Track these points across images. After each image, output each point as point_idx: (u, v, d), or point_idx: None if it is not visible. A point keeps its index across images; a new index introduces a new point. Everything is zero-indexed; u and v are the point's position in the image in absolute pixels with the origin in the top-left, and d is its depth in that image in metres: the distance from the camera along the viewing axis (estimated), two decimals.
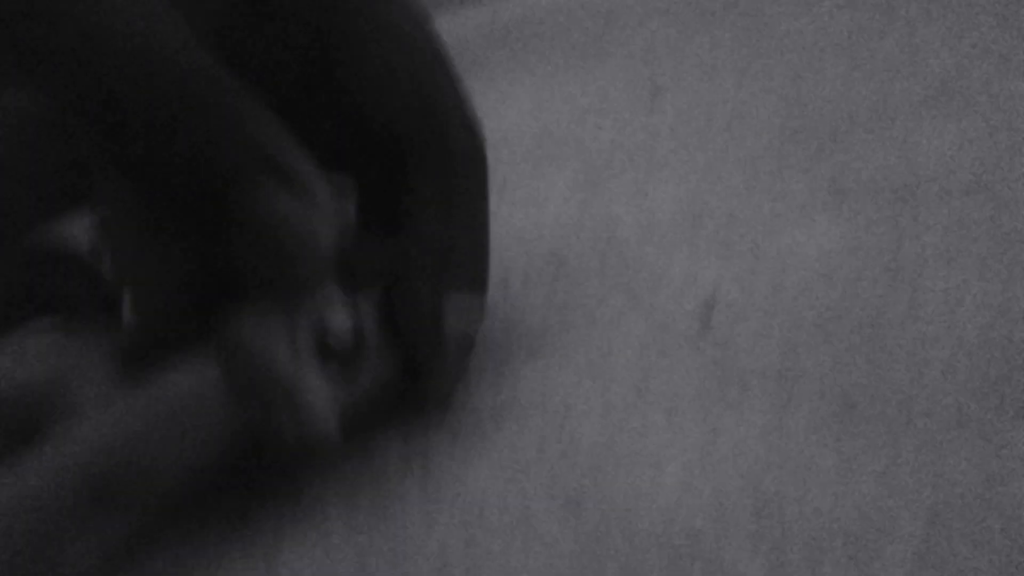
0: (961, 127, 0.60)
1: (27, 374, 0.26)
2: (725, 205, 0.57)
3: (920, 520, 0.28)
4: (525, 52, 1.17)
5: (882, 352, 0.37)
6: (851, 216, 0.52)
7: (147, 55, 0.25)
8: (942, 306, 0.40)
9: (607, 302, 0.47)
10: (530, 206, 0.65)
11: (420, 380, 0.34)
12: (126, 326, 0.31)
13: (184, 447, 0.27)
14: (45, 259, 0.32)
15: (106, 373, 0.27)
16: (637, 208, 0.61)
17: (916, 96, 0.67)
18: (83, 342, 0.29)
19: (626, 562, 0.28)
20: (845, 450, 0.32)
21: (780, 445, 0.32)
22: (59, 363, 0.26)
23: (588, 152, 0.74)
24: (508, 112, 0.91)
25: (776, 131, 0.68)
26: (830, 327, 0.40)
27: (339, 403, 0.31)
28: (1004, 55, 0.72)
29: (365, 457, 0.36)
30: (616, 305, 0.47)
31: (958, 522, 0.28)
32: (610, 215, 0.60)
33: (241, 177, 0.27)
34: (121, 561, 0.31)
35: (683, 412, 0.35)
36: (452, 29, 1.36)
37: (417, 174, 0.38)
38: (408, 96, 0.36)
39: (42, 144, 0.31)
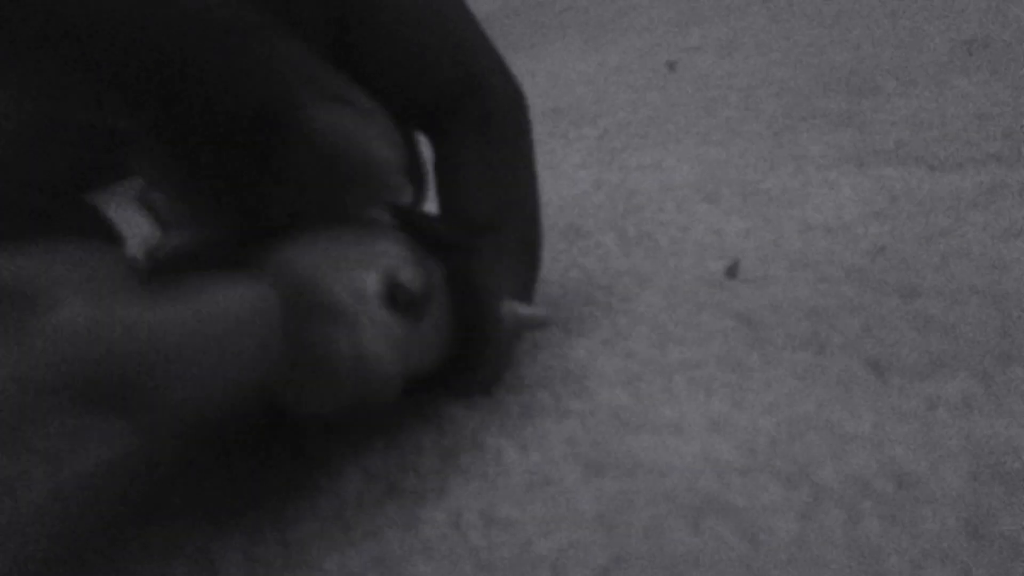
0: (990, 90, 0.58)
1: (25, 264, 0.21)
2: (745, 174, 0.56)
3: (960, 482, 0.26)
4: (542, 27, 1.15)
5: (913, 316, 0.36)
6: (876, 182, 0.50)
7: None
8: (975, 270, 0.39)
9: (626, 272, 0.46)
10: (546, 179, 0.64)
11: (469, 367, 0.32)
12: (158, 247, 0.28)
13: (219, 364, 0.22)
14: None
15: (140, 280, 0.23)
16: (655, 179, 0.59)
17: (941, 60, 0.65)
18: (115, 254, 0.25)
19: (651, 524, 0.26)
20: (878, 413, 0.30)
21: (809, 409, 0.31)
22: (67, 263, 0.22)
23: (604, 125, 0.73)
24: (524, 87, 0.89)
25: (797, 100, 0.66)
26: (858, 292, 0.39)
27: (406, 355, 0.27)
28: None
29: (377, 424, 0.35)
30: (636, 274, 0.46)
31: (999, 484, 0.26)
32: (627, 187, 0.59)
33: (293, 100, 0.24)
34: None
35: (707, 378, 0.34)
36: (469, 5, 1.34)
37: (455, 135, 0.35)
38: (436, 46, 0.33)
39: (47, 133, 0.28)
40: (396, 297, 0.27)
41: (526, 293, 0.36)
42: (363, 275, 0.26)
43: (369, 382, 0.26)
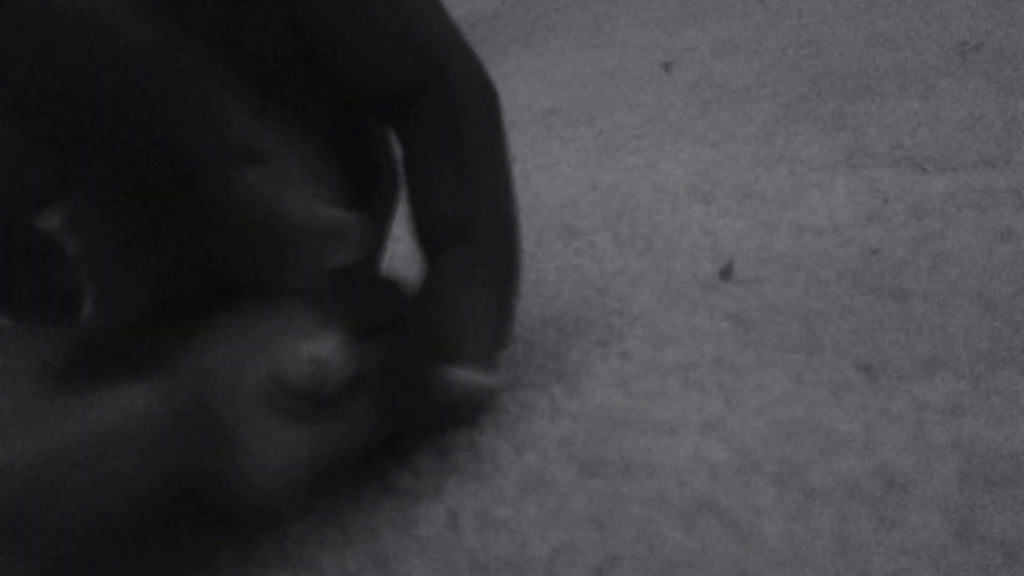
0: (982, 92, 0.59)
1: None
2: (739, 175, 0.56)
3: (948, 484, 0.27)
4: (538, 27, 1.15)
5: (904, 318, 0.36)
6: (869, 184, 0.50)
7: (85, 34, 0.21)
8: (966, 273, 0.39)
9: (620, 273, 0.46)
10: (542, 179, 0.64)
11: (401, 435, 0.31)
12: (85, 321, 0.28)
13: (110, 483, 0.22)
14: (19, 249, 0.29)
15: (38, 379, 0.24)
16: (650, 180, 0.60)
17: (935, 62, 0.66)
18: (27, 339, 0.25)
19: (644, 524, 0.27)
20: (869, 415, 0.31)
21: (801, 411, 0.32)
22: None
23: (600, 126, 0.73)
24: (519, 87, 0.90)
25: (791, 102, 0.67)
26: (850, 293, 0.39)
27: (306, 460, 0.26)
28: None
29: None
30: (630, 275, 0.46)
31: (988, 486, 0.27)
32: (623, 187, 0.59)
33: (209, 158, 0.23)
34: None
35: (701, 379, 0.34)
36: (463, 3, 1.34)
37: (420, 133, 0.31)
38: (395, 35, 0.31)
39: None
40: (287, 403, 0.26)
41: (504, 304, 0.34)
42: (254, 384, 0.25)
43: (260, 501, 0.26)
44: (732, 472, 0.30)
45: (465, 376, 0.31)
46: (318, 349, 0.26)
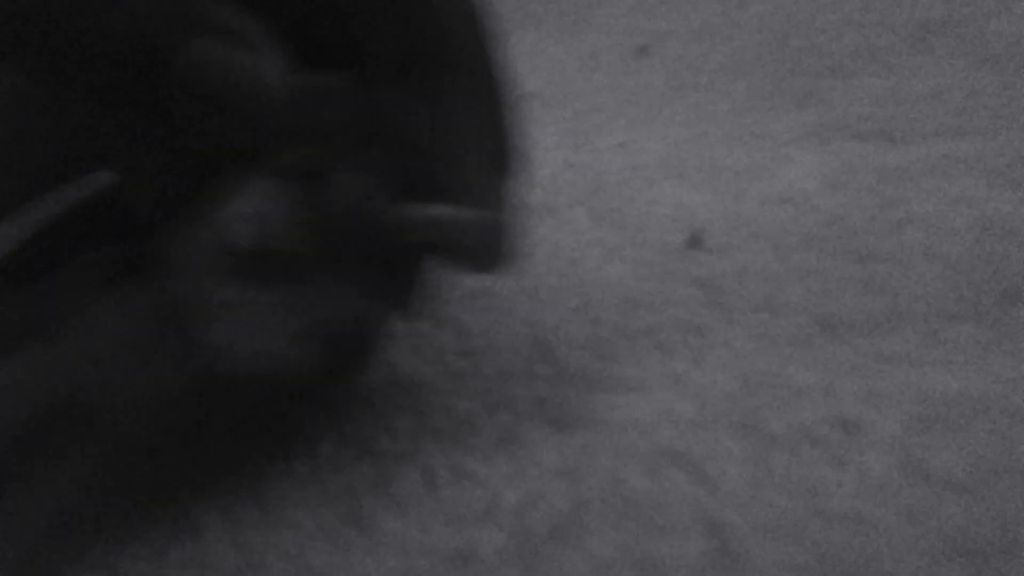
0: (942, 69, 0.60)
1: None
2: (711, 152, 0.57)
3: (899, 428, 0.28)
4: (519, 13, 1.16)
5: (865, 279, 0.37)
6: (835, 156, 0.52)
7: None
8: (924, 234, 0.40)
9: (595, 245, 0.48)
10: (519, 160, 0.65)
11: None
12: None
13: (138, 371, 0.25)
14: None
15: (90, 293, 0.26)
16: (624, 159, 0.61)
17: (900, 42, 0.67)
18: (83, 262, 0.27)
19: (610, 476, 0.28)
20: (827, 368, 0.32)
21: (763, 366, 0.33)
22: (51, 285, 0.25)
23: (576, 108, 0.74)
24: None
25: (762, 82, 0.68)
26: (814, 256, 0.40)
27: (279, 321, 0.26)
28: None
29: (350, 387, 0.36)
30: (604, 247, 0.47)
31: (936, 429, 0.28)
32: (597, 166, 0.60)
33: (176, 34, 0.24)
34: (94, 497, 0.31)
35: (669, 341, 0.36)
36: None
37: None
38: None
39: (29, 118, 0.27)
40: (238, 263, 0.26)
41: (496, 154, 0.31)
42: (203, 255, 0.25)
43: (243, 368, 0.26)
44: (696, 424, 0.31)
45: (431, 211, 0.30)
46: (256, 205, 0.26)
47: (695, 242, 0.43)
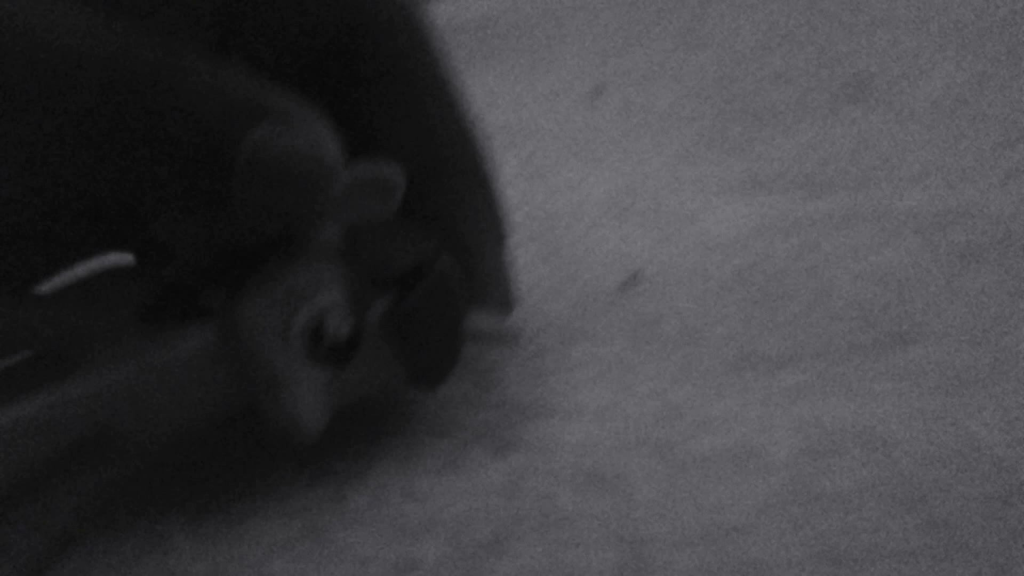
0: (867, 124, 0.66)
1: (67, 318, 0.27)
2: (653, 195, 0.62)
3: (793, 453, 0.32)
4: (478, 53, 1.21)
5: (779, 318, 0.42)
6: (764, 204, 0.57)
7: (64, 51, 0.22)
8: (832, 279, 0.45)
9: (542, 281, 0.52)
10: None
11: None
12: (167, 271, 0.32)
13: (178, 408, 0.29)
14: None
15: (130, 325, 0.29)
16: (573, 198, 0.65)
17: (829, 96, 0.73)
18: (131, 281, 0.30)
19: (542, 494, 0.32)
20: (735, 400, 0.36)
21: (682, 397, 0.37)
22: (94, 311, 0.28)
23: (533, 147, 0.78)
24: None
25: (703, 129, 0.73)
26: (737, 298, 0.45)
27: (328, 404, 0.31)
28: (914, 53, 0.78)
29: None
30: (549, 284, 0.51)
31: (826, 454, 0.32)
32: (548, 206, 0.65)
33: (236, 123, 0.24)
34: (116, 506, 0.34)
35: (602, 373, 0.40)
36: None
37: (356, 83, 0.31)
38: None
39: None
40: (319, 349, 0.30)
41: (495, 227, 0.35)
42: (291, 329, 0.30)
43: (295, 433, 0.31)
44: (619, 448, 0.35)
45: (492, 322, 0.35)
46: (336, 300, 0.30)
47: (632, 282, 0.47)
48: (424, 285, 0.33)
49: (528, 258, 0.55)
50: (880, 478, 0.31)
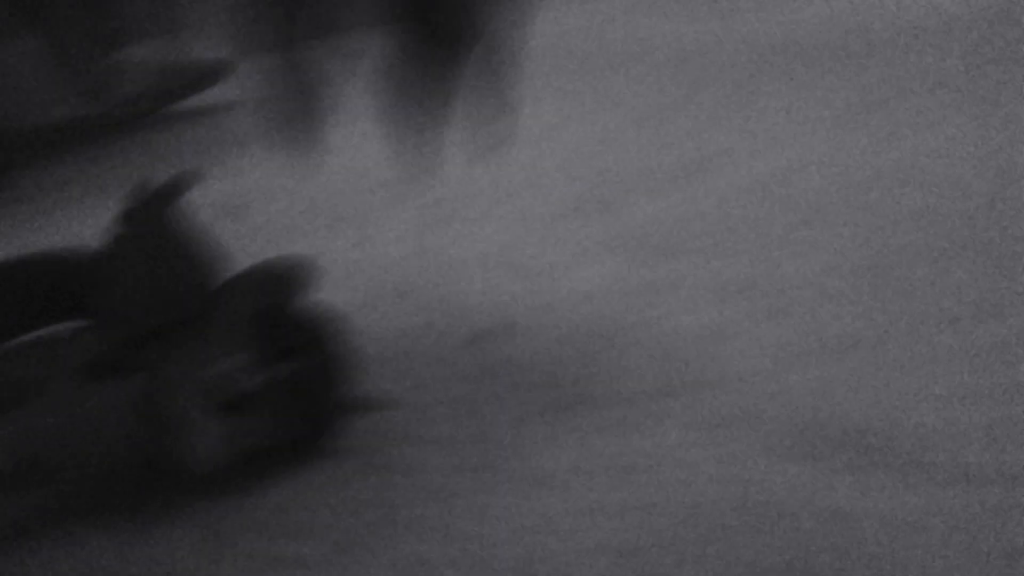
0: (698, 194, 0.78)
1: (27, 369, 0.43)
2: (525, 251, 0.73)
3: (595, 480, 0.43)
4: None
5: (598, 365, 0.53)
6: (617, 262, 0.68)
7: None
8: (648, 334, 0.56)
9: (419, 329, 0.62)
10: (369, 244, 0.79)
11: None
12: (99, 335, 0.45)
13: (101, 444, 0.43)
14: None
15: (74, 375, 0.44)
16: (454, 252, 0.76)
17: (670, 170, 0.86)
18: (68, 349, 0.44)
19: (388, 503, 0.42)
20: (559, 433, 0.47)
21: (510, 435, 0.48)
22: (48, 363, 0.43)
23: (426, 200, 0.88)
24: (368, 150, 1.04)
25: (574, 192, 0.84)
26: (570, 349, 0.56)
27: (222, 448, 0.45)
28: (753, 134, 0.91)
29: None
30: (416, 334, 0.61)
31: (617, 479, 0.43)
32: (440, 256, 0.75)
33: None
34: (47, 528, 0.43)
35: (446, 412, 0.51)
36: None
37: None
38: None
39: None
40: (224, 403, 0.45)
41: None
42: (200, 387, 0.45)
43: (196, 468, 0.45)
44: (454, 469, 0.45)
45: (362, 398, 0.51)
46: (240, 366, 0.45)
47: (501, 329, 0.58)
48: (313, 358, 0.45)
49: (409, 306, 0.66)
50: (654, 492, 0.42)
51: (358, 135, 1.16)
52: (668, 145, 0.93)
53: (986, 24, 1.09)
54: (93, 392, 0.43)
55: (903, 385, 0.46)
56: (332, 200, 0.89)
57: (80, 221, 0.77)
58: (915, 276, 0.57)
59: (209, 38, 1.38)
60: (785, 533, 0.37)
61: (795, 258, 0.65)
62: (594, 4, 1.79)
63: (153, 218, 0.46)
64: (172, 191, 0.48)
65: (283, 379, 0.47)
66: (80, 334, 0.44)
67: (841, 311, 0.56)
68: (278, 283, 0.47)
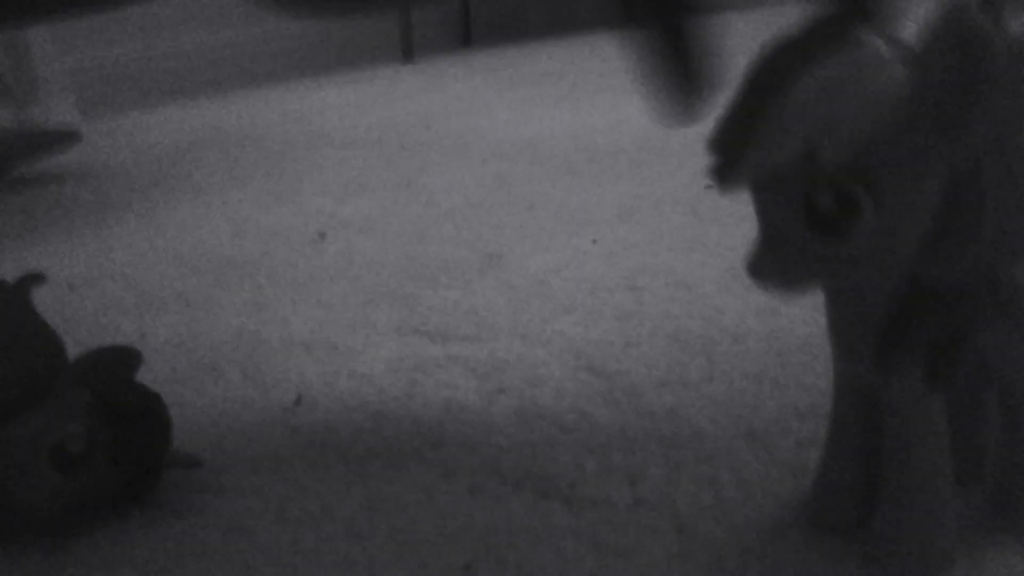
0: (491, 287, 1.01)
1: None
2: (333, 334, 0.93)
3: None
4: (228, 171, 1.48)
5: (378, 416, 0.74)
6: (411, 343, 0.89)
7: None
8: (437, 412, 0.77)
9: (236, 401, 0.80)
10: (191, 325, 0.97)
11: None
12: None
13: None
14: None
15: None
16: (279, 331, 0.94)
17: (474, 264, 1.08)
18: None
19: (221, 545, 0.60)
20: (340, 472, 0.67)
21: (297, 491, 0.67)
22: None
23: (259, 282, 1.06)
24: (188, 235, 1.21)
25: (384, 281, 1.06)
26: (370, 420, 0.76)
27: (57, 500, 0.55)
28: (535, 234, 1.14)
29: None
30: (239, 403, 0.80)
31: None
32: (264, 333, 0.93)
33: None
34: None
35: (255, 481, 0.69)
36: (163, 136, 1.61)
37: None
38: None
39: None
40: (60, 460, 0.53)
41: None
42: (40, 444, 0.53)
43: (31, 518, 0.54)
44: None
45: (178, 454, 0.62)
46: (72, 429, 0.53)
47: (298, 402, 0.78)
48: (139, 423, 0.62)
49: (233, 381, 0.84)
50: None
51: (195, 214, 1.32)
52: (459, 243, 1.16)
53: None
54: None
55: (587, 443, 0.69)
56: (159, 281, 1.05)
57: None
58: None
59: (59, 103, 1.48)
60: (471, 543, 0.59)
61: (543, 346, 0.88)
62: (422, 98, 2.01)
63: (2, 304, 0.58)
64: (19, 290, 0.60)
65: (111, 442, 0.59)
66: None
67: (561, 392, 0.80)
68: (111, 366, 0.61)
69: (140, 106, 1.93)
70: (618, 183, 1.39)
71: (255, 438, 0.76)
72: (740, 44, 0.60)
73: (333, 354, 0.89)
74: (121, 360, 0.64)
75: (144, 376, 0.69)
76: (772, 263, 0.31)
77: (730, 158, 0.32)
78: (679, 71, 0.36)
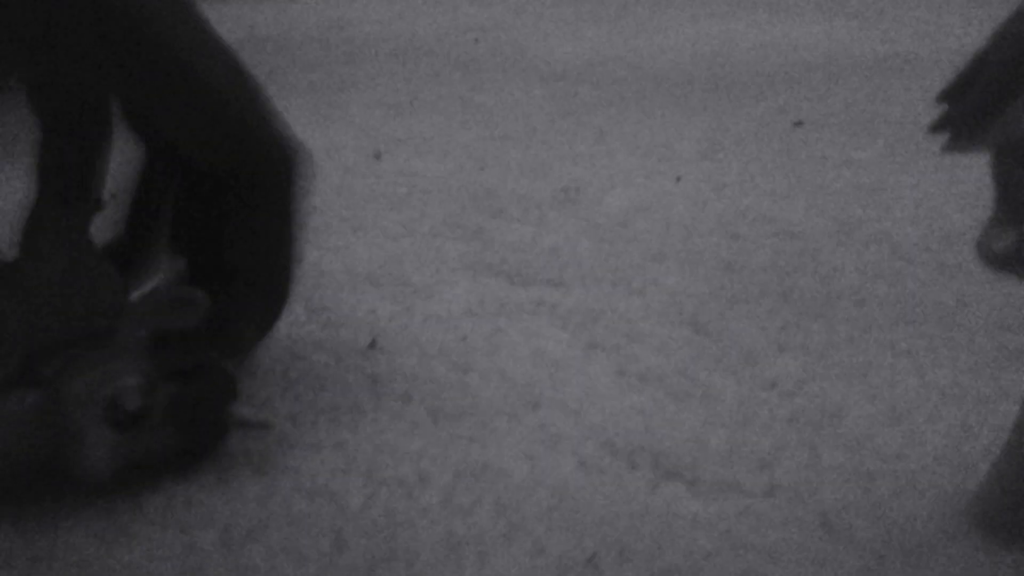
0: (573, 225, 0.91)
1: None
2: (403, 268, 0.83)
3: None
4: (275, 98, 1.36)
5: (464, 383, 0.65)
6: (483, 284, 0.80)
7: None
8: (508, 357, 0.68)
9: (305, 337, 0.71)
10: None
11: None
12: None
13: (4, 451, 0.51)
14: None
15: None
16: (340, 262, 0.85)
17: (546, 196, 0.98)
18: None
19: (286, 502, 0.52)
20: (402, 432, 0.59)
21: (393, 438, 0.59)
22: None
23: (312, 205, 0.96)
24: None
25: (451, 213, 0.95)
26: (441, 364, 0.67)
27: (115, 459, 0.53)
28: (609, 171, 1.05)
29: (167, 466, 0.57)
30: (311, 339, 0.71)
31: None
32: (321, 264, 0.84)
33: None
34: None
35: (340, 416, 0.61)
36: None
37: (229, 196, 0.54)
38: (216, 121, 0.48)
39: None
40: (114, 418, 0.52)
41: (266, 324, 0.61)
42: (95, 401, 0.52)
43: (85, 477, 0.54)
44: (340, 471, 0.56)
45: (247, 413, 0.59)
46: (132, 384, 0.53)
47: (372, 345, 0.69)
48: (200, 381, 0.53)
49: (297, 314, 0.75)
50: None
51: None
52: (525, 178, 1.06)
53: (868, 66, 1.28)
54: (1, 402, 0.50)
55: (706, 415, 0.61)
56: None
57: None
58: (730, 316, 0.73)
59: None
60: (589, 528, 0.51)
61: (638, 295, 0.79)
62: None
63: (60, 236, 0.51)
64: (76, 219, 0.53)
65: (174, 397, 0.55)
66: None
67: (672, 346, 0.71)
68: (174, 310, 0.54)
69: None
70: (693, 116, 1.28)
71: (329, 385, 0.68)
72: None
73: (404, 291, 0.80)
74: (186, 305, 0.55)
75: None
76: (1016, 245, 0.30)
77: (968, 120, 0.31)
78: None
